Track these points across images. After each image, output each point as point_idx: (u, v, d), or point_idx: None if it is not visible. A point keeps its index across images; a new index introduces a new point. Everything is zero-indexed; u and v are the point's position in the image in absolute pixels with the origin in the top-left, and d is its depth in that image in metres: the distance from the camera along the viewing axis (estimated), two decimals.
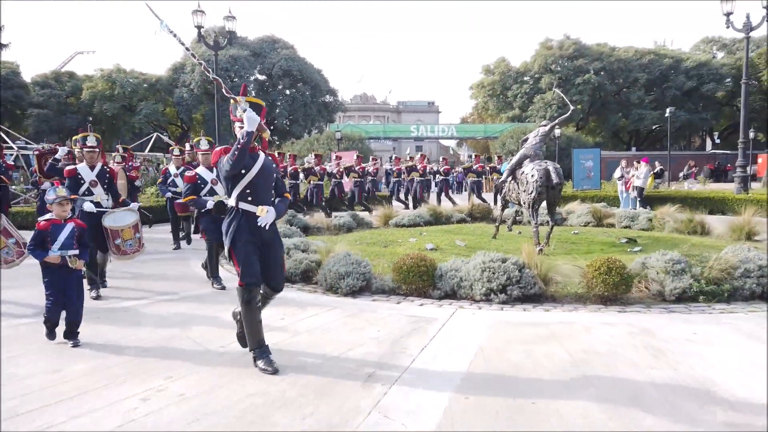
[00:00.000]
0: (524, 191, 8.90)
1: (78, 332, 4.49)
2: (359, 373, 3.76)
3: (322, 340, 4.52)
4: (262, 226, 3.86)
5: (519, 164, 9.48)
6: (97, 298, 6.03)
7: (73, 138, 6.07)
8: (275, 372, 3.76)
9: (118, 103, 43.12)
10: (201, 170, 6.87)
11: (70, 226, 4.54)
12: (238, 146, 3.69)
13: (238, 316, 4.14)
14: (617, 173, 16.09)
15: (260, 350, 3.89)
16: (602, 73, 47.27)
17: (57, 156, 7.86)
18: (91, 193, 6.38)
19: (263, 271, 3.92)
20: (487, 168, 17.94)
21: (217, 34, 31.96)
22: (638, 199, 15.56)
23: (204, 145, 7.37)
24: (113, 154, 13.26)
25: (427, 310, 5.38)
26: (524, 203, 9.01)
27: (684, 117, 46.64)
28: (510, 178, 9.71)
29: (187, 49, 4.29)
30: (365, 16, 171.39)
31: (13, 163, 10.28)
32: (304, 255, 6.87)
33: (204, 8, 15.99)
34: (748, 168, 16.85)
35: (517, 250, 6.53)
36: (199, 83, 43.86)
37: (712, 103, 48.47)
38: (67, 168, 6.42)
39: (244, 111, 3.73)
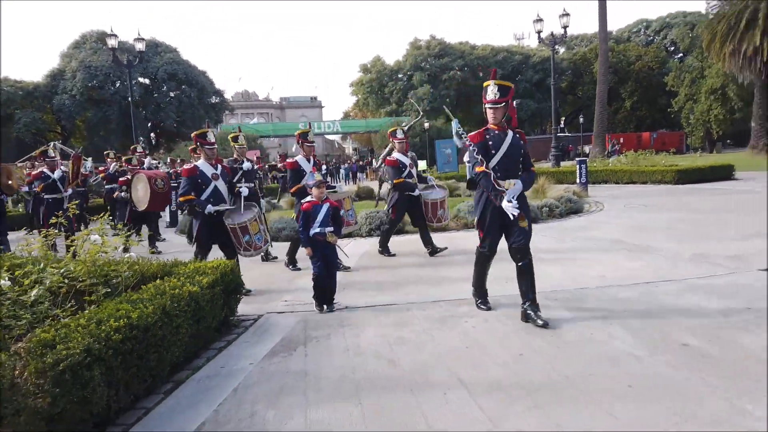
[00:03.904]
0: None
1: (334, 299, 5.10)
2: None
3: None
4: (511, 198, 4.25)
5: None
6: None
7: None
8: (489, 309, 4.71)
9: None
10: (399, 155, 7.65)
11: (326, 206, 5.08)
12: (482, 178, 4.35)
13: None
14: (466, 157, 20.84)
15: (481, 293, 4.82)
16: (465, 69, 53.38)
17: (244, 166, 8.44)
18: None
19: (508, 235, 4.44)
20: (368, 160, 22.01)
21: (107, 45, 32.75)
22: None
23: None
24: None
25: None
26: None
27: (534, 106, 54.39)
28: (383, 165, 13.80)
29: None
30: (242, 12, 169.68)
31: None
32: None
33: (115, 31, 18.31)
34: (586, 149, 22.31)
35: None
36: (81, 89, 43.63)
37: (556, 93, 56.60)
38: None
39: (506, 189, 4.26)
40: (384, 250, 7.76)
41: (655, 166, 18.10)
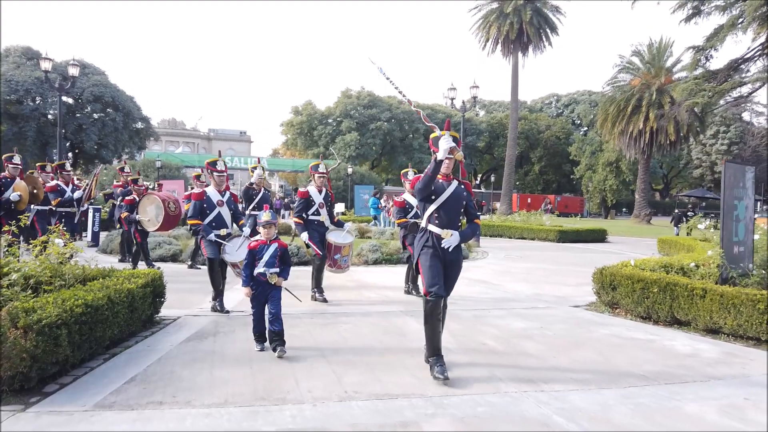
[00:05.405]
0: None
1: (284, 341, 4.84)
2: None
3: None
4: (446, 248, 4.31)
5: None
6: None
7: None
8: (446, 379, 4.11)
9: None
10: (408, 196, 7.70)
11: (273, 247, 4.95)
12: (428, 173, 4.23)
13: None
14: (382, 203, 22.77)
15: (436, 358, 4.25)
16: (392, 121, 56.43)
17: (252, 180, 9.61)
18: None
19: None
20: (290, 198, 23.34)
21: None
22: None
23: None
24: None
25: None
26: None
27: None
28: None
29: (400, 92, 4.98)
30: (178, 41, 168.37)
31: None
32: (171, 246, 11.38)
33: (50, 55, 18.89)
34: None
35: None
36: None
37: (474, 152, 60.92)
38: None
39: (439, 140, 4.25)
40: (414, 288, 7.99)
41: (542, 225, 20.67)
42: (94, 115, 48.60)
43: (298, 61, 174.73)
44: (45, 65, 18.68)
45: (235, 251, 6.41)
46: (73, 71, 19.98)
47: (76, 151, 49.89)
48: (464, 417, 3.58)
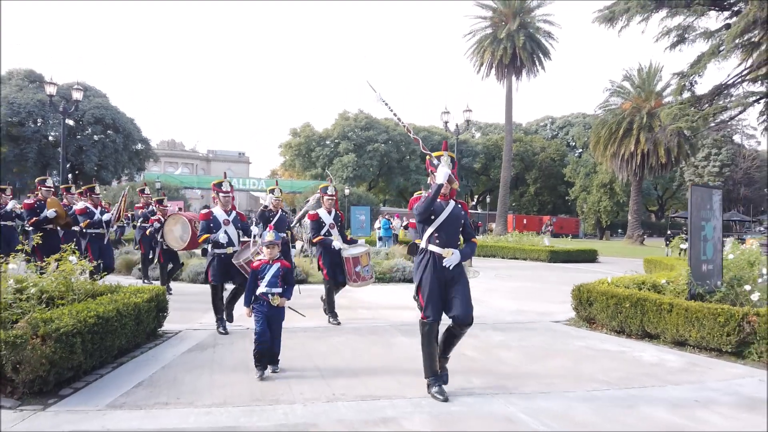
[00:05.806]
0: (305, 232, 14.93)
1: (278, 360, 5.03)
2: None
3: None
4: (447, 266, 4.40)
5: (303, 215, 15.56)
6: None
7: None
8: (446, 400, 4.23)
9: None
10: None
11: (276, 266, 4.95)
12: (428, 195, 4.35)
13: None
14: (377, 224, 23.23)
15: (434, 378, 4.38)
16: (389, 142, 57.25)
17: (266, 203, 9.02)
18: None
19: (449, 305, 4.39)
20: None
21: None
22: (393, 241, 22.74)
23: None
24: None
25: None
26: (305, 240, 15.02)
27: None
28: (299, 224, 15.79)
29: (398, 119, 4.95)
30: (178, 63, 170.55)
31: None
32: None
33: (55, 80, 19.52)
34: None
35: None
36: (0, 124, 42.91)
37: (471, 173, 61.68)
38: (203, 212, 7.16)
39: (437, 165, 4.40)
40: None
41: (534, 245, 21.13)
42: (95, 136, 49.30)
43: (296, 84, 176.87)
44: (50, 89, 19.27)
45: (245, 252, 6.62)
46: (77, 95, 20.59)
47: (76, 172, 50.43)
48: (439, 414, 3.99)
